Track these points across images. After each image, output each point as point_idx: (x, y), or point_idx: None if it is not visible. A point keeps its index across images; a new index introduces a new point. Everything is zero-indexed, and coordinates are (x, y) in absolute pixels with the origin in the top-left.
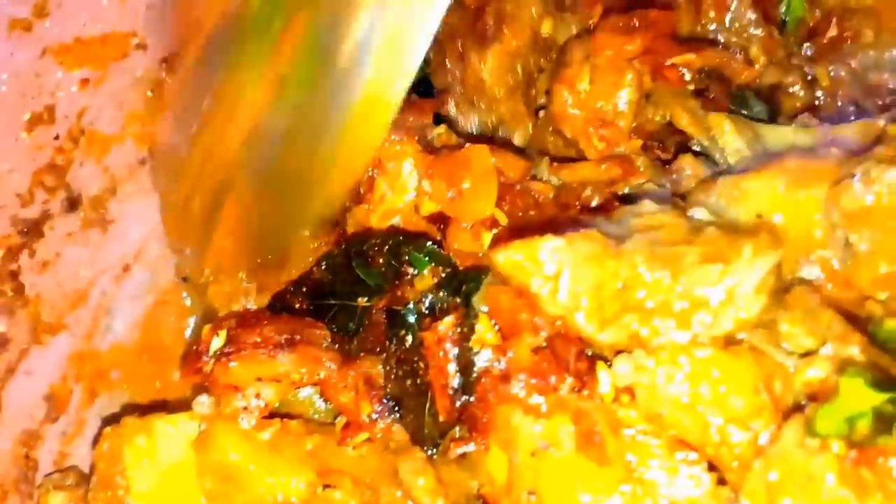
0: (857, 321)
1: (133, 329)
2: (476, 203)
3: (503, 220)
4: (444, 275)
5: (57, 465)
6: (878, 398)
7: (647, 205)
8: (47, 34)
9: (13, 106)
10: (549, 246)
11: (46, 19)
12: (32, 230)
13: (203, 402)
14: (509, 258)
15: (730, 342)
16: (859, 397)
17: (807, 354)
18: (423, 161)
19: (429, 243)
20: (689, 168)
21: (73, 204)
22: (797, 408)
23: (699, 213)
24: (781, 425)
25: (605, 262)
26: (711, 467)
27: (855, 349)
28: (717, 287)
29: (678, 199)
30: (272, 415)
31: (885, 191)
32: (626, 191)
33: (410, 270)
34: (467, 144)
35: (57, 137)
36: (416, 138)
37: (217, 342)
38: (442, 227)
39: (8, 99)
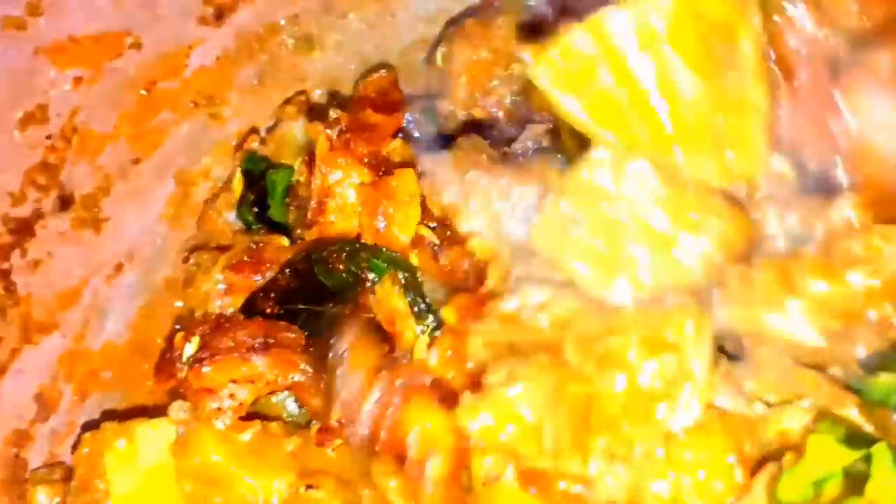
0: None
1: (125, 329)
2: (397, 230)
3: (431, 237)
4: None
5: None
6: (850, 456)
7: (533, 293)
8: (41, 33)
9: (5, 104)
10: (523, 395)
11: (40, 18)
12: (24, 229)
13: (179, 408)
14: (483, 425)
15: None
16: (829, 457)
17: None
18: (362, 191)
19: (385, 249)
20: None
21: (65, 203)
22: (764, 461)
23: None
24: (748, 484)
25: (567, 389)
26: None
27: (853, 411)
28: (676, 378)
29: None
30: (251, 417)
31: None
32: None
33: (370, 276)
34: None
35: (49, 136)
36: (365, 161)
37: (190, 348)
38: None
39: (0, 97)
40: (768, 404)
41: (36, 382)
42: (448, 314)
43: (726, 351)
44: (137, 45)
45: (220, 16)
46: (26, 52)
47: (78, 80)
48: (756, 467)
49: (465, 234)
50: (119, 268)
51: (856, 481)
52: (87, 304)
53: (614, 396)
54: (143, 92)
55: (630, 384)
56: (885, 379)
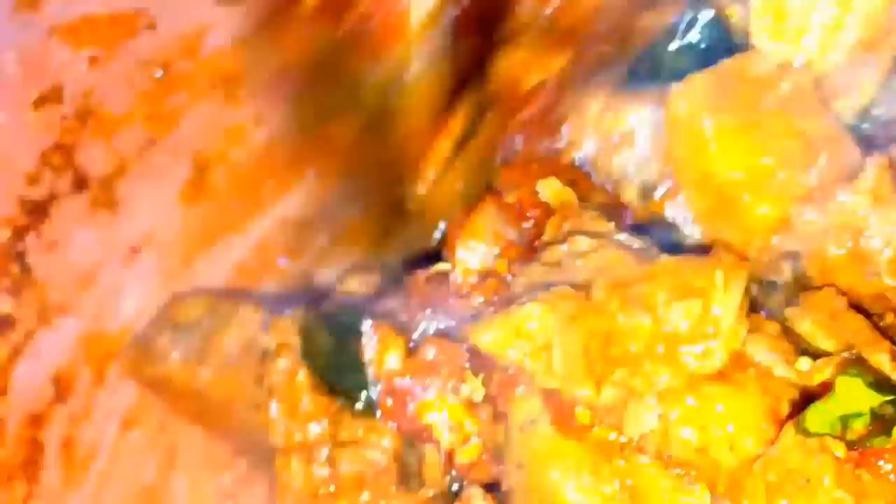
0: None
1: (142, 311)
2: None
3: None
4: None
5: (64, 448)
6: (876, 399)
7: (581, 241)
8: (54, 13)
9: (19, 85)
10: (535, 314)
11: None
12: (39, 210)
13: None
14: (495, 339)
15: (735, 368)
16: (856, 397)
17: (817, 356)
18: None
19: None
20: None
21: (80, 184)
22: (795, 409)
23: (636, 242)
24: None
25: (586, 320)
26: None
27: (884, 356)
28: (700, 322)
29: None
30: None
31: None
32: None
33: None
34: None
35: (65, 117)
36: None
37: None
38: None
39: (14, 78)
40: (815, 356)
41: (53, 364)
42: (500, 265)
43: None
44: (152, 25)
45: None
46: (40, 32)
47: (93, 61)
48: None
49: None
50: (136, 249)
51: (884, 423)
52: (104, 286)
53: (636, 334)
54: (159, 72)
55: (654, 324)
56: None
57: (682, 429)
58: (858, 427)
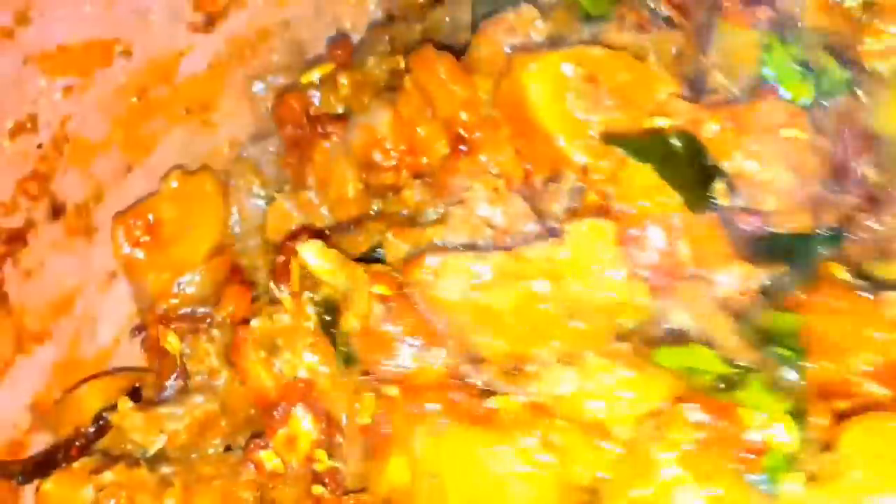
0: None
1: (118, 337)
2: None
3: None
4: None
5: None
6: (725, 370)
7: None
8: (29, 42)
9: None
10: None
11: (28, 26)
12: (16, 239)
13: None
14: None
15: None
16: (707, 361)
17: None
18: None
19: None
20: None
21: (57, 212)
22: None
23: None
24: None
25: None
26: None
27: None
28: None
29: None
30: None
31: None
32: None
33: None
34: None
35: (40, 146)
36: None
37: None
38: None
39: None
40: None
41: (30, 392)
42: None
43: None
44: (128, 53)
45: (210, 22)
46: (15, 61)
47: (68, 89)
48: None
49: None
50: (113, 275)
51: (729, 383)
52: (81, 313)
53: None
54: (135, 99)
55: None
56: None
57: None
58: (700, 381)
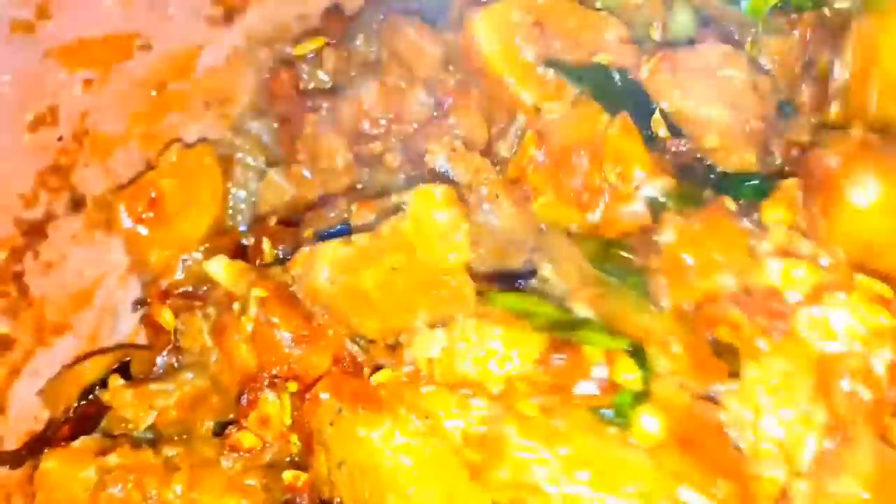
0: None
1: (138, 329)
2: None
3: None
4: None
5: None
6: (557, 315)
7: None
8: (49, 35)
9: (16, 107)
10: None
11: (48, 21)
12: (36, 231)
13: None
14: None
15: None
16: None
17: None
18: None
19: None
20: None
21: (77, 205)
22: None
23: None
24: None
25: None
26: None
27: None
28: None
29: None
30: None
31: None
32: None
33: None
34: None
35: (61, 138)
36: None
37: None
38: None
39: (10, 100)
40: None
41: None
42: None
43: None
44: (147, 47)
45: (229, 16)
46: (35, 54)
47: (88, 83)
48: None
49: None
50: (132, 268)
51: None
52: (100, 306)
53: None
54: (154, 93)
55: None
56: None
57: (463, 359)
58: (538, 323)
